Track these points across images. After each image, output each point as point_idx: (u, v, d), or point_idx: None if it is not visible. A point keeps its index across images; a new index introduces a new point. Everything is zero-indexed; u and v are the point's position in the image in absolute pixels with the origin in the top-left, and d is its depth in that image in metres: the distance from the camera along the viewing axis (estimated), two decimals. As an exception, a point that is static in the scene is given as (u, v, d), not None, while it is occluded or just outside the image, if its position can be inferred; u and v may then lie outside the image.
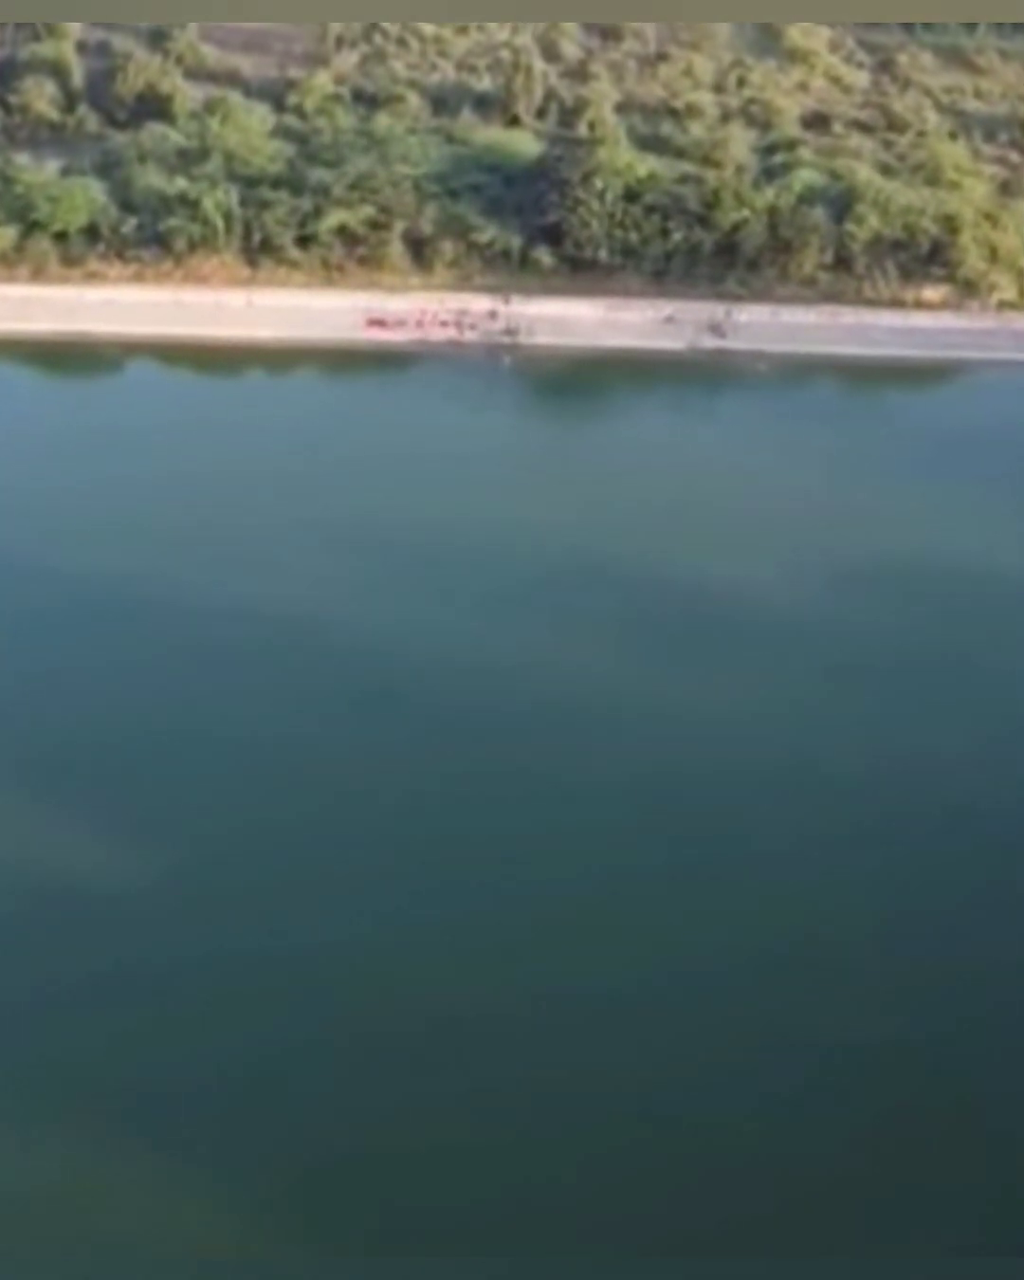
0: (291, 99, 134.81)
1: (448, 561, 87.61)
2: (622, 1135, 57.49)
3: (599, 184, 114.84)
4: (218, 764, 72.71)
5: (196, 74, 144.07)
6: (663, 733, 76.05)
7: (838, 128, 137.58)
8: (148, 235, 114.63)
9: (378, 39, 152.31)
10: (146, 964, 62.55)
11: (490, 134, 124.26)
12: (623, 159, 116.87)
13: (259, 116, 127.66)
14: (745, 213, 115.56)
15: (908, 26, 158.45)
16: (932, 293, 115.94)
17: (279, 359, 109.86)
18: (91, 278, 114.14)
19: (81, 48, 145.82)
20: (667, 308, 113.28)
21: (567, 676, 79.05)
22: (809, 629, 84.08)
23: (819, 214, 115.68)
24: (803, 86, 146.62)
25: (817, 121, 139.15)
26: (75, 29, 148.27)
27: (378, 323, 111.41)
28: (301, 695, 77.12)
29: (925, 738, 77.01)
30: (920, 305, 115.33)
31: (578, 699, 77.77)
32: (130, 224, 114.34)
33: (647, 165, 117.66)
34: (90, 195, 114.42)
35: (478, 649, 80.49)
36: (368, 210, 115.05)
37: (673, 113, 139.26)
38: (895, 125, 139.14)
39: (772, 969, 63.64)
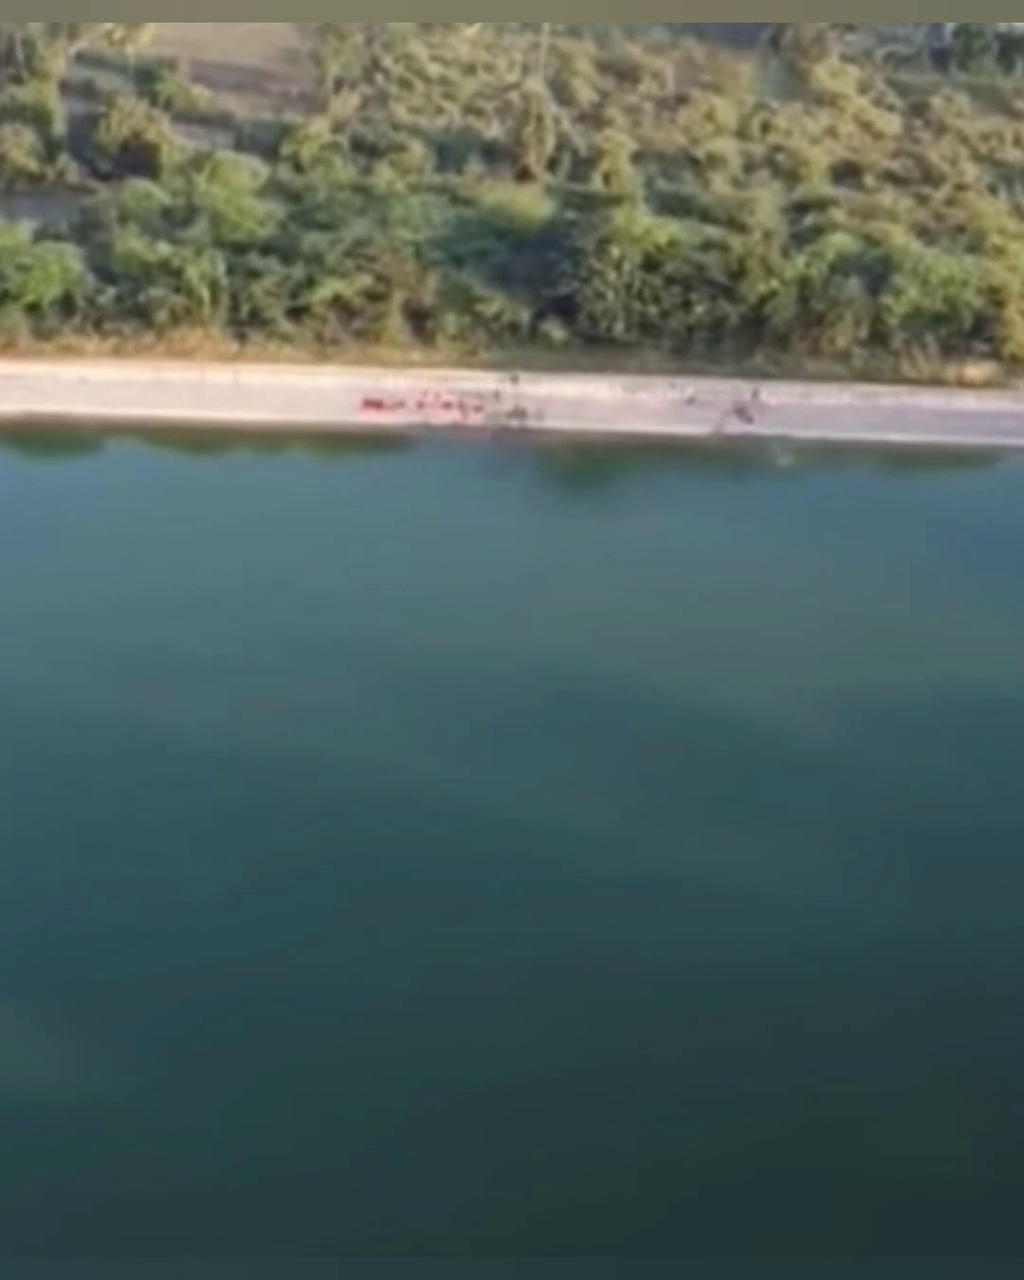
0: (286, 147, 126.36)
1: (443, 683, 78.88)
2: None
3: (616, 252, 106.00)
4: (173, 953, 63.85)
5: (187, 117, 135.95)
6: (675, 901, 67.27)
7: (870, 180, 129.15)
8: (127, 307, 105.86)
9: (379, 79, 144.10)
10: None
11: (498, 194, 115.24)
12: (641, 224, 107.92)
13: (249, 172, 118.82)
14: (774, 284, 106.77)
15: (941, 66, 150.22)
16: (975, 371, 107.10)
17: (267, 443, 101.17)
18: (66, 352, 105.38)
19: (65, 88, 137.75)
20: (688, 387, 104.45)
21: (568, 828, 70.17)
22: (843, 772, 74.96)
23: (854, 285, 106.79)
24: (831, 132, 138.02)
25: (847, 172, 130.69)
26: (60, 67, 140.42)
27: (374, 404, 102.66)
28: (262, 855, 68.53)
29: (979, 909, 68.08)
30: (963, 384, 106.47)
31: (580, 857, 69.02)
32: (108, 294, 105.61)
33: (667, 230, 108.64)
34: (65, 263, 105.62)
35: (470, 794, 71.48)
36: (365, 279, 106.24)
37: (694, 162, 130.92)
38: (931, 177, 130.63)
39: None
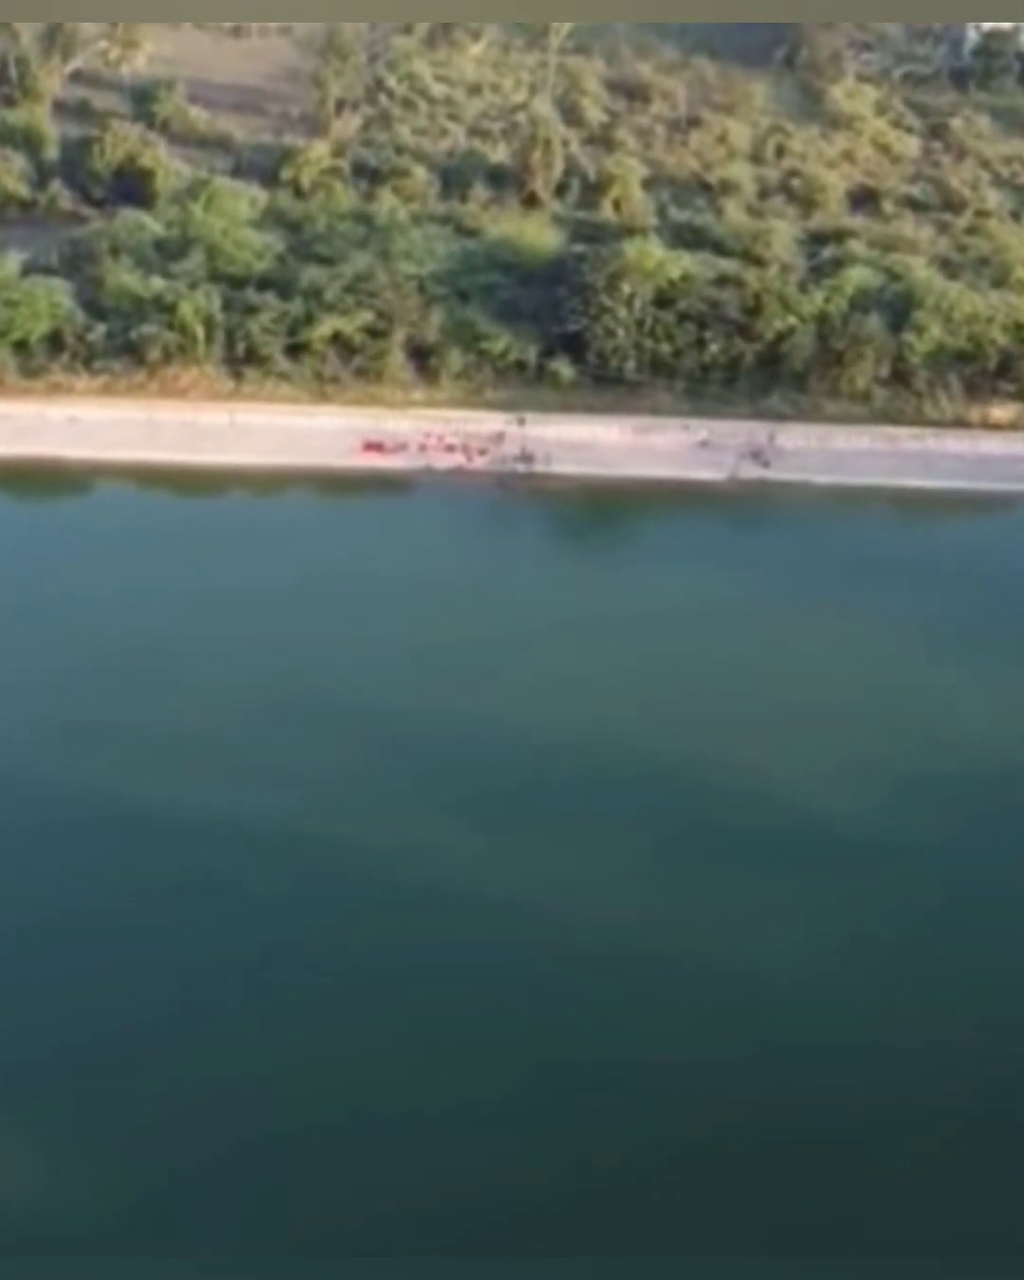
0: (286, 172, 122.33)
1: (438, 748, 74.78)
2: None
3: (626, 288, 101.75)
4: (149, 1039, 59.75)
5: (184, 139, 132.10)
6: (682, 987, 63.21)
7: (888, 206, 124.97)
8: (119, 344, 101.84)
9: (382, 99, 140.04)
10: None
11: (504, 225, 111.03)
12: (653, 258, 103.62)
13: (248, 200, 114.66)
14: (791, 320, 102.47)
15: (961, 85, 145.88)
16: (1001, 412, 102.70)
17: (262, 487, 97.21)
18: (55, 391, 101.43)
19: (60, 108, 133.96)
20: (701, 430, 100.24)
21: (566, 908, 66.20)
22: (859, 847, 70.48)
23: (874, 322, 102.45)
24: (848, 156, 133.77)
25: (865, 199, 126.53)
26: (55, 87, 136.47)
27: (375, 446, 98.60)
28: (239, 938, 64.59)
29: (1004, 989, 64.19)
30: (989, 426, 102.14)
31: (579, 939, 64.93)
32: (99, 331, 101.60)
33: (680, 264, 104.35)
34: (54, 299, 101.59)
35: (463, 869, 67.65)
36: (366, 316, 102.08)
37: (706, 187, 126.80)
38: (952, 203, 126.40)
39: None
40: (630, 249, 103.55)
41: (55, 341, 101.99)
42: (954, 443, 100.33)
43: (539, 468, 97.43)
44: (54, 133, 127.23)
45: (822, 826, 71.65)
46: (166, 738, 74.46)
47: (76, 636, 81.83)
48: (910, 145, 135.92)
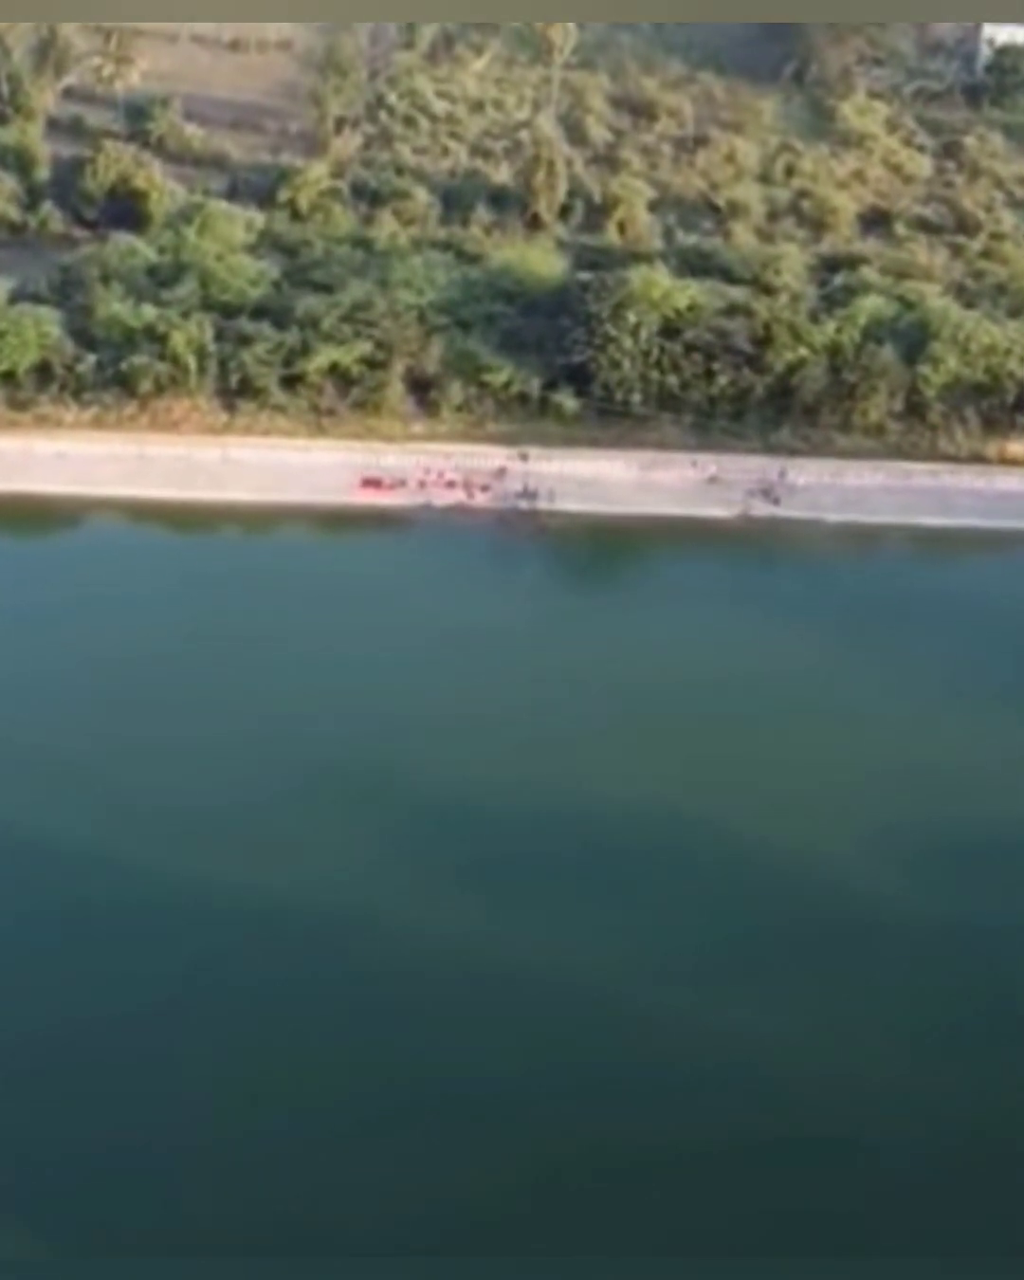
0: (283, 193, 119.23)
1: (437, 814, 71.59)
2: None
3: (632, 318, 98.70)
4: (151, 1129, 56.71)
5: (179, 158, 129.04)
6: (693, 1074, 60.12)
7: (900, 228, 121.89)
8: (109, 375, 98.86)
9: (383, 117, 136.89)
10: None
11: (507, 252, 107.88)
12: (659, 286, 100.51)
13: (243, 223, 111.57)
14: (803, 352, 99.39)
15: (974, 102, 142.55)
16: (1019, 447, 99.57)
17: (256, 525, 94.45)
18: (43, 423, 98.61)
19: (53, 126, 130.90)
20: (710, 465, 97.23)
21: (571, 989, 62.91)
22: (874, 924, 67.29)
23: (888, 353, 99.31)
24: (859, 176, 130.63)
25: (877, 220, 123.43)
26: (48, 103, 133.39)
27: (373, 483, 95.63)
28: (229, 1020, 61.24)
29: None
30: (1006, 462, 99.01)
31: (584, 1024, 61.72)
32: (88, 362, 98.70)
33: (687, 293, 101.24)
34: (43, 328, 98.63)
35: (464, 945, 64.54)
36: (364, 346, 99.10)
37: (714, 209, 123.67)
38: (965, 225, 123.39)
39: None
40: (636, 277, 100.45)
41: (44, 372, 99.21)
42: (971, 479, 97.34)
43: (542, 505, 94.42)
44: (46, 152, 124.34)
45: (835, 899, 68.45)
46: (150, 798, 71.51)
47: (59, 685, 78.95)
48: (923, 164, 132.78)
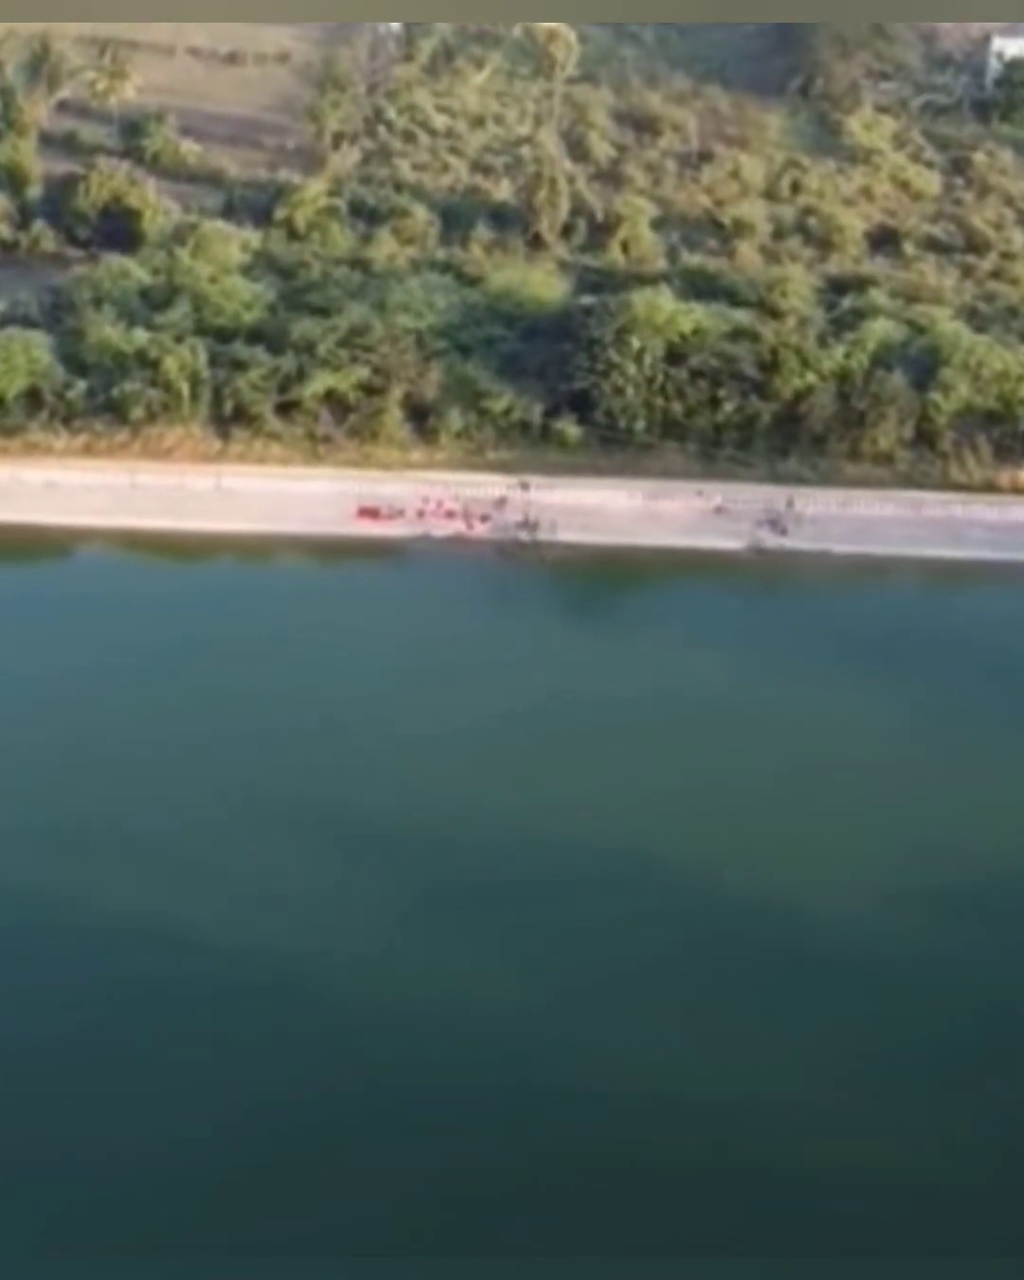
0: (280, 211, 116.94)
1: (432, 856, 69.04)
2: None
3: (636, 343, 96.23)
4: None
5: (174, 174, 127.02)
6: (684, 1131, 57.50)
7: (909, 247, 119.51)
8: (100, 401, 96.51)
9: (381, 132, 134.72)
10: None
11: (507, 273, 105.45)
12: (663, 311, 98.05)
13: (239, 244, 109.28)
14: (810, 378, 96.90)
15: (983, 117, 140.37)
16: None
17: (250, 556, 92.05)
18: (32, 451, 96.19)
19: (46, 141, 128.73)
20: (715, 495, 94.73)
21: (558, 1037, 60.46)
22: (878, 972, 64.49)
23: (897, 379, 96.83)
24: (866, 193, 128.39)
25: (885, 239, 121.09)
26: (42, 118, 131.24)
27: (370, 512, 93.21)
28: (203, 1069, 58.72)
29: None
30: (1019, 491, 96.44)
31: (582, 1085, 58.93)
32: (79, 388, 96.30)
33: (692, 317, 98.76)
34: (32, 353, 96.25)
35: (450, 990, 62.10)
36: (361, 372, 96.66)
37: (719, 227, 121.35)
38: (975, 244, 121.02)
39: None
40: (640, 301, 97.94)
41: (33, 398, 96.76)
42: (983, 510, 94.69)
43: (543, 536, 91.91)
44: (39, 168, 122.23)
45: (838, 946, 65.77)
46: (137, 839, 69.26)
47: (47, 720, 76.52)
48: (931, 181, 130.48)
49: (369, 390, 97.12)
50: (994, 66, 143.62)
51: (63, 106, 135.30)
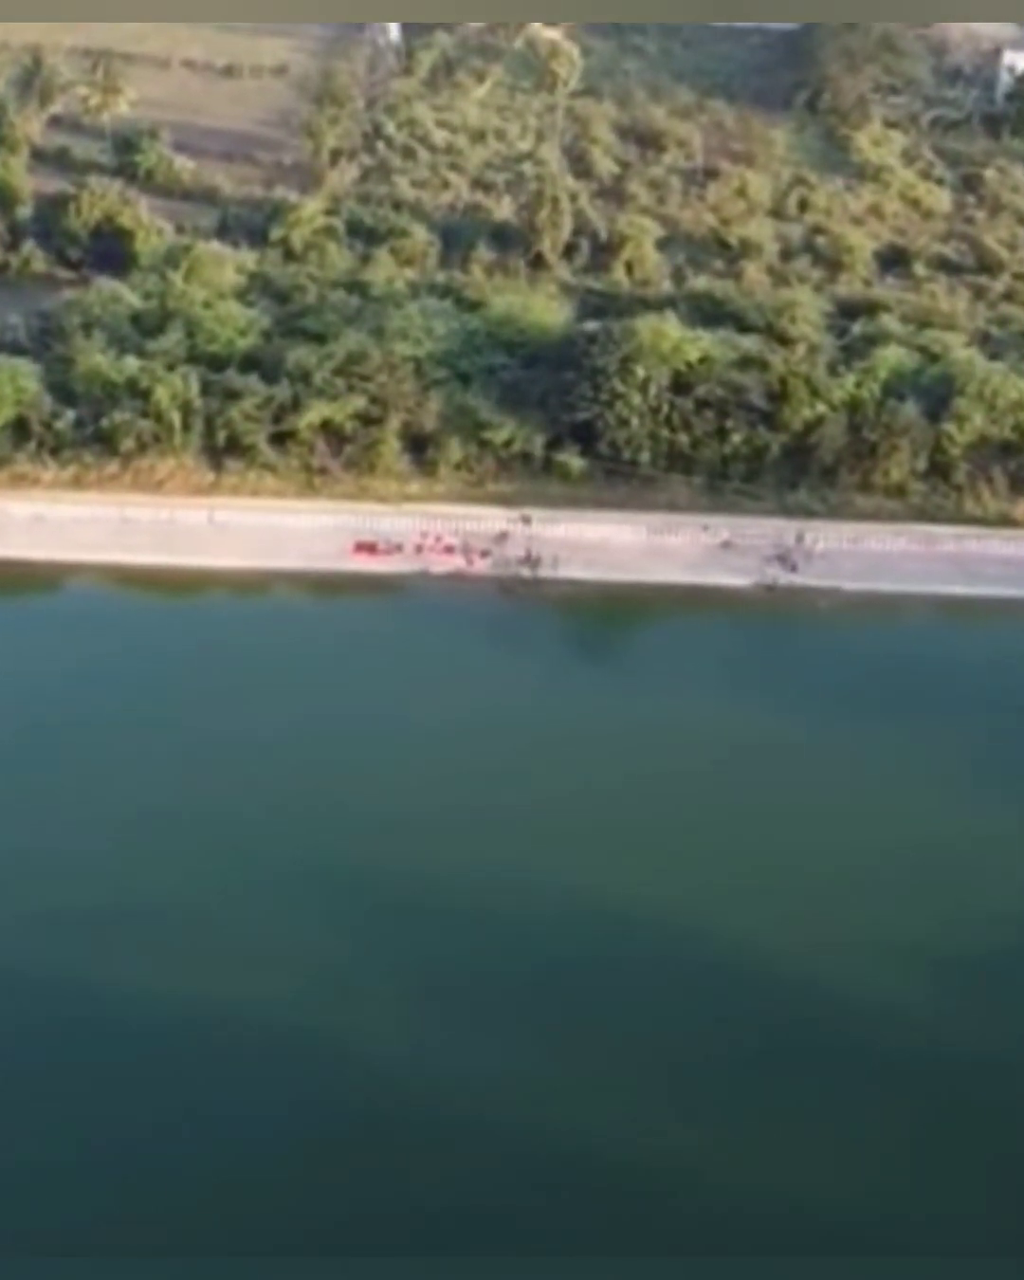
0: (276, 230, 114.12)
1: (427, 923, 66.73)
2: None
3: (641, 372, 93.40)
4: None
5: (168, 192, 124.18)
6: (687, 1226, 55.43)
7: (920, 268, 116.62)
8: (89, 432, 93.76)
9: (381, 148, 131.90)
10: None
11: (508, 298, 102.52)
12: (669, 338, 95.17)
13: (233, 266, 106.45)
14: (821, 408, 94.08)
15: (994, 132, 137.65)
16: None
17: (243, 592, 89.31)
18: (19, 482, 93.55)
19: (38, 157, 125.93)
20: (723, 529, 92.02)
21: (561, 1123, 58.34)
22: (891, 1048, 62.04)
23: (910, 409, 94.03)
24: (876, 211, 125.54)
25: (895, 259, 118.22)
26: (35, 132, 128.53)
27: (367, 548, 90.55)
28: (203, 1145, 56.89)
29: None
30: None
31: (592, 1180, 56.79)
32: (68, 418, 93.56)
33: (698, 345, 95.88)
34: (20, 383, 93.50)
35: (444, 1064, 60.15)
36: (358, 401, 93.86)
37: (724, 246, 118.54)
38: (987, 263, 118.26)
39: None
40: (645, 328, 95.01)
41: (20, 429, 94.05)
42: (999, 545, 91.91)
43: (545, 572, 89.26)
44: (29, 186, 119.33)
45: (853, 1022, 63.20)
46: (123, 882, 67.75)
47: (29, 766, 74.35)
48: (942, 199, 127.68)
49: (366, 420, 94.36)
50: (1005, 80, 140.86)
51: (55, 121, 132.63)
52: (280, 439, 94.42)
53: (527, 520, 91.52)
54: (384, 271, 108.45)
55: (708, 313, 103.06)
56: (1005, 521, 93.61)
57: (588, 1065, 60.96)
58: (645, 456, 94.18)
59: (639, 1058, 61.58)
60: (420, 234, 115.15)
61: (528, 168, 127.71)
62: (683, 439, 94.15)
